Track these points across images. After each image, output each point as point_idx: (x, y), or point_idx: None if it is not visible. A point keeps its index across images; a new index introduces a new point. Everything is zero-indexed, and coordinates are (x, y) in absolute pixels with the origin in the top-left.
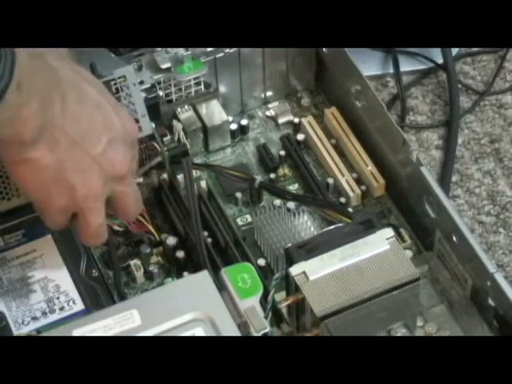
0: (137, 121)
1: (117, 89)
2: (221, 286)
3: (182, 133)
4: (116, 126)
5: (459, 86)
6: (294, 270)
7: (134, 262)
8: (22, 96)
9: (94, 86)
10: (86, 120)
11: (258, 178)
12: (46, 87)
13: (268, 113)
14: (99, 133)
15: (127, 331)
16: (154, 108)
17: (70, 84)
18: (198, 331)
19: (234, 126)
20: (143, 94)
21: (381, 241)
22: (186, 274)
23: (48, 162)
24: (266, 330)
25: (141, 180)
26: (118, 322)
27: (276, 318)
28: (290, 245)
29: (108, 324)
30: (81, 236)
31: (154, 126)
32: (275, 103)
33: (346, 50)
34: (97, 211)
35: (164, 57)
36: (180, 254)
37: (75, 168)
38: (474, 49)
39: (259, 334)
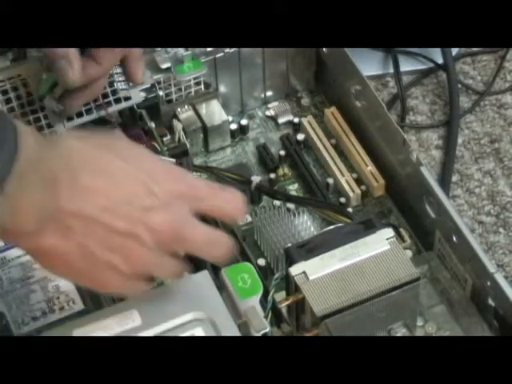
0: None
1: None
2: (221, 286)
3: (181, 133)
4: (153, 190)
5: (459, 85)
6: (294, 270)
7: None
8: (22, 185)
9: (120, 157)
10: (104, 196)
11: (255, 181)
12: (51, 173)
13: (268, 113)
14: (128, 203)
15: (127, 331)
16: (153, 108)
17: (84, 163)
18: (198, 331)
19: (233, 126)
20: (143, 94)
21: (381, 241)
22: (185, 274)
23: (65, 249)
24: (266, 330)
25: None
26: (118, 322)
27: (276, 318)
28: (289, 245)
29: (108, 324)
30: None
31: (153, 125)
32: (275, 103)
33: (346, 49)
34: (166, 265)
35: (164, 57)
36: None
37: (104, 248)
38: (474, 49)
39: (259, 334)
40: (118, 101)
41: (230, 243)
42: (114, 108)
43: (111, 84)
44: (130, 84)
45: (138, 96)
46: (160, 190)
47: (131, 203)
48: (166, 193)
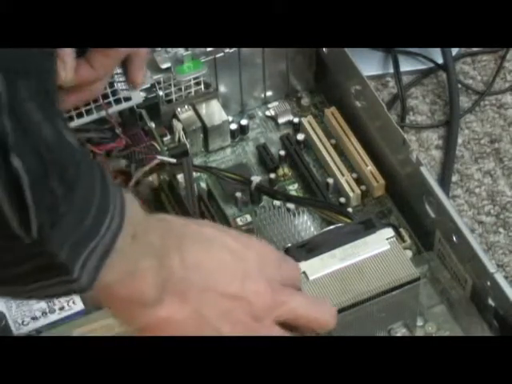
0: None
1: None
2: None
3: (181, 133)
4: (248, 256)
5: (459, 85)
6: None
7: None
8: (139, 248)
9: (212, 226)
10: (211, 265)
11: (255, 181)
12: (161, 240)
13: (268, 113)
14: (231, 271)
15: (127, 331)
16: (153, 108)
17: (184, 234)
18: None
19: (233, 126)
20: (143, 94)
21: (381, 241)
22: None
23: (181, 316)
24: None
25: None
26: (118, 322)
27: None
28: (289, 245)
29: (108, 324)
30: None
31: (153, 125)
32: (275, 103)
33: (346, 49)
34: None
35: (164, 57)
36: None
37: (216, 313)
38: (474, 49)
39: None
40: (118, 101)
41: (333, 309)
42: (114, 108)
43: (111, 84)
44: (130, 85)
45: (138, 97)
46: (256, 255)
47: (236, 269)
48: (262, 257)
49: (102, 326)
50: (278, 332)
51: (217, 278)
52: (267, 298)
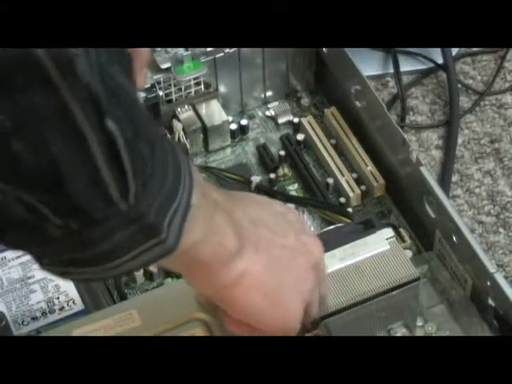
0: None
1: None
2: None
3: (181, 133)
4: (292, 218)
5: (459, 85)
6: None
7: None
8: (210, 205)
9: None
10: (269, 221)
11: (255, 181)
12: (223, 198)
13: (268, 113)
14: (285, 227)
15: (127, 331)
16: (153, 108)
17: (238, 195)
18: (198, 331)
19: (233, 126)
20: (143, 94)
21: (381, 241)
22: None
23: (258, 267)
24: None
25: None
26: (118, 322)
27: None
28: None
29: (108, 324)
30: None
31: None
32: (275, 103)
33: (346, 49)
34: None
35: (164, 57)
36: None
37: (283, 264)
38: (474, 49)
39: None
40: None
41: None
42: None
43: None
44: None
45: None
46: (296, 219)
47: (288, 226)
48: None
49: (102, 325)
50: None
51: (277, 233)
52: (317, 250)
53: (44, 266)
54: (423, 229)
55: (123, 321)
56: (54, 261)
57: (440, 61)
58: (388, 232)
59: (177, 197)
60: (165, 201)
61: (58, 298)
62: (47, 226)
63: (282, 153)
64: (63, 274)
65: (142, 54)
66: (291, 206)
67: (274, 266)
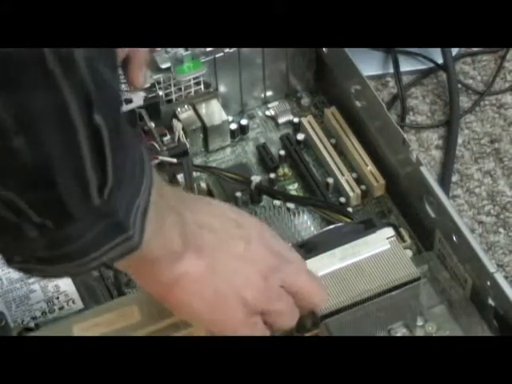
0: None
1: None
2: None
3: (181, 133)
4: (247, 223)
5: (459, 85)
6: None
7: None
8: (164, 205)
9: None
10: (218, 227)
11: (255, 181)
12: (174, 200)
13: (268, 113)
14: (234, 235)
15: (128, 326)
16: (153, 108)
17: (189, 197)
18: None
19: (233, 126)
20: (143, 94)
21: (381, 240)
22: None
23: (198, 271)
24: None
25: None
26: (119, 316)
27: None
28: (289, 244)
29: (108, 319)
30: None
31: (153, 125)
32: (275, 103)
33: (346, 49)
34: (284, 306)
35: (164, 56)
36: None
37: (228, 271)
38: (474, 49)
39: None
40: None
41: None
42: None
43: None
44: (131, 86)
45: (139, 99)
46: (253, 224)
47: (238, 234)
48: (260, 229)
49: (102, 321)
50: (282, 293)
51: (224, 240)
52: (270, 259)
53: (14, 263)
54: (423, 229)
55: (124, 316)
56: (26, 258)
57: (440, 61)
58: (388, 231)
59: (140, 193)
60: (131, 197)
61: (58, 297)
62: (24, 224)
63: (282, 152)
64: (31, 271)
65: (140, 53)
66: (291, 205)
67: (215, 271)
